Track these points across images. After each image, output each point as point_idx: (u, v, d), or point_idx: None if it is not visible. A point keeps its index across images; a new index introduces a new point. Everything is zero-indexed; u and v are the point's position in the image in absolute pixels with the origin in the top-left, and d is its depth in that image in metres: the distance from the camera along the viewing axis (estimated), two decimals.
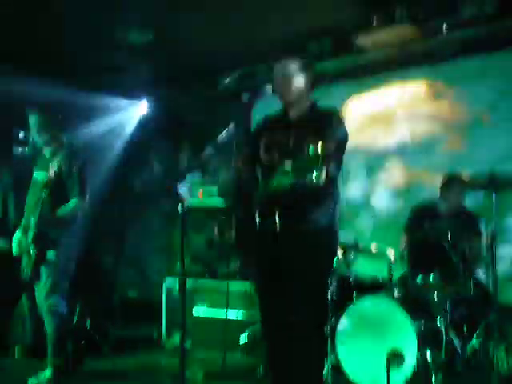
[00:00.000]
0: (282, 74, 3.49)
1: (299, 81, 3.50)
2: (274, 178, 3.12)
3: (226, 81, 3.34)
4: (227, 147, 3.48)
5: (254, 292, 3.86)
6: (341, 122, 3.46)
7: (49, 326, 4.63)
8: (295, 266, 3.35)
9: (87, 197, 4.71)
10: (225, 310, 5.46)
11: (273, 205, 3.26)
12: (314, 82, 3.59)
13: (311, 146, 2.82)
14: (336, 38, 6.24)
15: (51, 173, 4.45)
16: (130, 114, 8.26)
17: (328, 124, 3.38)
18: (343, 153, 3.38)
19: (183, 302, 2.96)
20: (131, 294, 8.13)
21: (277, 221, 3.26)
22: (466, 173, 5.44)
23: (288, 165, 2.94)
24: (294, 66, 3.50)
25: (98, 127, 8.22)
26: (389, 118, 6.47)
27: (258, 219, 3.31)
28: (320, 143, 2.90)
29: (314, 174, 2.82)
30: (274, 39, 6.10)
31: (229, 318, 5.60)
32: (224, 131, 3.25)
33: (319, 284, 3.47)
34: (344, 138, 3.39)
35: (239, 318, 5.69)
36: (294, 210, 3.28)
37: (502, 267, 5.19)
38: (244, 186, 3.50)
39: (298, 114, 3.53)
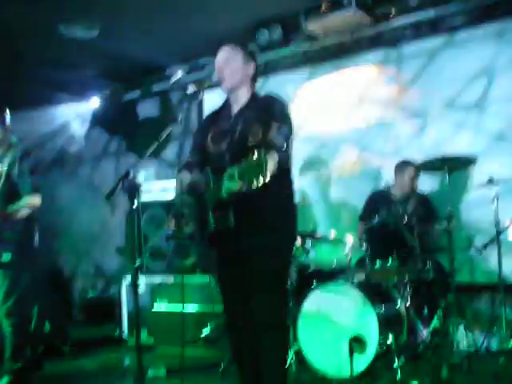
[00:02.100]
0: (223, 58, 3.46)
1: (239, 66, 3.45)
2: (223, 184, 3.07)
3: (174, 78, 3.26)
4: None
5: (215, 285, 3.83)
6: (283, 106, 3.41)
7: (6, 330, 4.52)
8: (254, 258, 3.31)
9: (39, 194, 4.61)
10: (185, 304, 5.47)
11: (225, 203, 3.21)
12: (256, 70, 3.53)
13: (255, 151, 2.79)
14: (285, 26, 6.20)
15: (1, 172, 4.35)
16: (81, 110, 8.13)
17: (271, 112, 3.32)
18: (290, 139, 3.31)
19: (136, 298, 2.91)
20: (91, 294, 8.01)
21: (231, 217, 3.22)
22: (419, 156, 5.48)
23: (234, 171, 2.89)
24: (233, 51, 3.47)
25: (48, 125, 8.09)
26: (341, 105, 6.48)
27: (211, 217, 3.27)
28: (265, 142, 2.90)
29: (261, 178, 2.79)
30: (223, 30, 6.04)
31: (190, 311, 5.58)
32: (172, 124, 3.19)
33: (279, 273, 3.44)
34: (288, 123, 3.33)
35: (200, 312, 5.62)
36: (247, 205, 3.23)
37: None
38: (195, 184, 3.44)
39: (240, 104, 3.48)
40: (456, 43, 5.82)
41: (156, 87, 7.64)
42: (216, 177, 3.24)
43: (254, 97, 3.51)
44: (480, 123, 5.66)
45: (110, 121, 7.94)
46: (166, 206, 6.09)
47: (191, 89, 3.31)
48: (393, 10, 5.87)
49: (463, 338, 4.69)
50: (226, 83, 3.44)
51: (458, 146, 5.49)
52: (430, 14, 5.69)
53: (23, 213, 4.52)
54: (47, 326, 5.63)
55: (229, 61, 3.44)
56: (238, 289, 3.45)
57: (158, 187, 6.29)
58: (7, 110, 4.72)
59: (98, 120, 7.99)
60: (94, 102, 8.02)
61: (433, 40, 5.96)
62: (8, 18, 5.74)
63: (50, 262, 8.10)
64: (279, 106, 3.40)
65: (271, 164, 2.88)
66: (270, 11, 6.01)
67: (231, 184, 2.97)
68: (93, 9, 5.72)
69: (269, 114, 3.30)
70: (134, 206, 3.26)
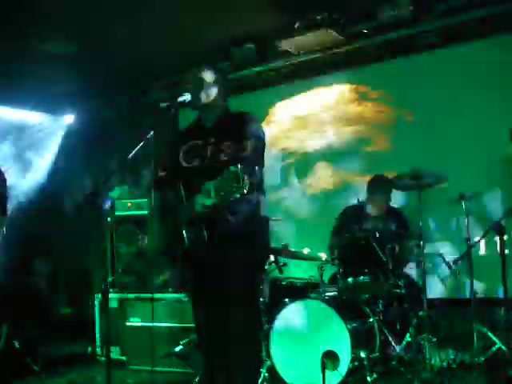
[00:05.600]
0: (193, 79, 3.50)
1: (210, 84, 3.48)
2: (197, 199, 3.10)
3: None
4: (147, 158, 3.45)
5: (188, 302, 3.80)
6: (255, 123, 3.45)
7: None
8: (228, 270, 3.31)
9: (7, 213, 4.56)
10: (157, 321, 5.46)
11: (198, 218, 3.22)
12: (227, 88, 3.58)
13: (231, 167, 2.85)
14: (260, 45, 6.26)
15: None
16: (55, 127, 8.09)
17: (242, 127, 3.36)
18: (263, 154, 3.37)
19: (106, 315, 2.88)
20: (63, 311, 7.92)
21: (204, 233, 3.23)
22: (391, 173, 5.53)
23: (210, 186, 2.94)
24: (203, 71, 3.50)
25: (21, 143, 8.00)
26: (315, 122, 6.54)
27: (184, 232, 3.27)
28: (238, 158, 2.97)
29: (236, 194, 2.85)
30: (198, 49, 6.07)
31: (162, 326, 5.53)
32: (142, 142, 3.19)
33: (253, 285, 3.46)
34: (261, 139, 3.38)
35: (173, 328, 5.57)
36: (221, 220, 3.24)
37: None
38: (168, 200, 3.44)
39: (212, 121, 3.52)
40: (429, 61, 5.93)
41: (132, 104, 7.66)
42: (188, 193, 3.25)
43: (226, 113, 3.55)
44: (451, 139, 5.74)
45: (85, 138, 7.91)
46: (140, 222, 6.08)
47: (164, 105, 3.33)
48: (365, 30, 5.96)
49: (435, 353, 4.71)
50: (197, 101, 3.47)
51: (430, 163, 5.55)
52: (401, 33, 5.78)
53: None
54: (16, 345, 5.53)
55: (200, 80, 3.47)
56: (211, 305, 3.41)
57: (131, 203, 6.26)
58: None
59: (73, 137, 7.95)
60: (69, 119, 8.00)
61: (405, 58, 6.06)
62: None
63: (19, 280, 7.99)
64: (252, 122, 3.43)
65: (246, 179, 2.91)
66: (244, 30, 6.06)
67: (207, 199, 3.00)
68: (71, 24, 5.73)
69: (241, 130, 3.34)
70: (107, 222, 3.25)
